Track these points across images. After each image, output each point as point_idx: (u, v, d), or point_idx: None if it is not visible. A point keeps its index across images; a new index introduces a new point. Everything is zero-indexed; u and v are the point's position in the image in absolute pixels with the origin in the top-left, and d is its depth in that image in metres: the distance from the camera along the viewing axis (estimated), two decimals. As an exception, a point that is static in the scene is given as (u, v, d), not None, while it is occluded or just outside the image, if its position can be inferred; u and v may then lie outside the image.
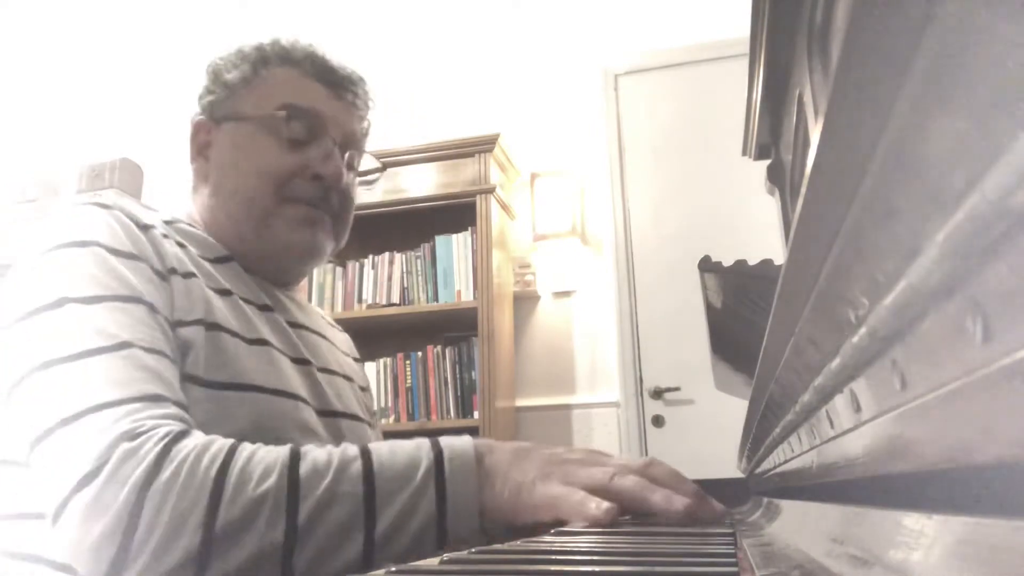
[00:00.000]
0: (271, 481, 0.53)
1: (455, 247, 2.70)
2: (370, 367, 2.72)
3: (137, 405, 0.55)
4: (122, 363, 0.58)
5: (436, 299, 2.68)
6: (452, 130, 2.84)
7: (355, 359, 0.97)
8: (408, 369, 2.68)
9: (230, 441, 0.56)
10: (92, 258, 0.64)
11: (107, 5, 3.51)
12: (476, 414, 2.53)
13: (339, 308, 2.77)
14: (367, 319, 2.70)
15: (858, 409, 0.24)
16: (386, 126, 3.05)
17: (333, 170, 0.81)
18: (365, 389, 0.95)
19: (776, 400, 0.44)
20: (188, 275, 0.70)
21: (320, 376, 0.80)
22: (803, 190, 0.21)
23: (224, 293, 0.73)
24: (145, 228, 0.70)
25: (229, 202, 0.80)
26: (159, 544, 0.50)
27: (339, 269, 2.83)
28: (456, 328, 2.67)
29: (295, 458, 0.55)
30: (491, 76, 3.08)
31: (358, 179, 0.90)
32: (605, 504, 0.51)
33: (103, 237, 0.66)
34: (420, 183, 2.74)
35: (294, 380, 0.74)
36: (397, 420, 2.64)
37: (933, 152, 0.13)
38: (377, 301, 2.74)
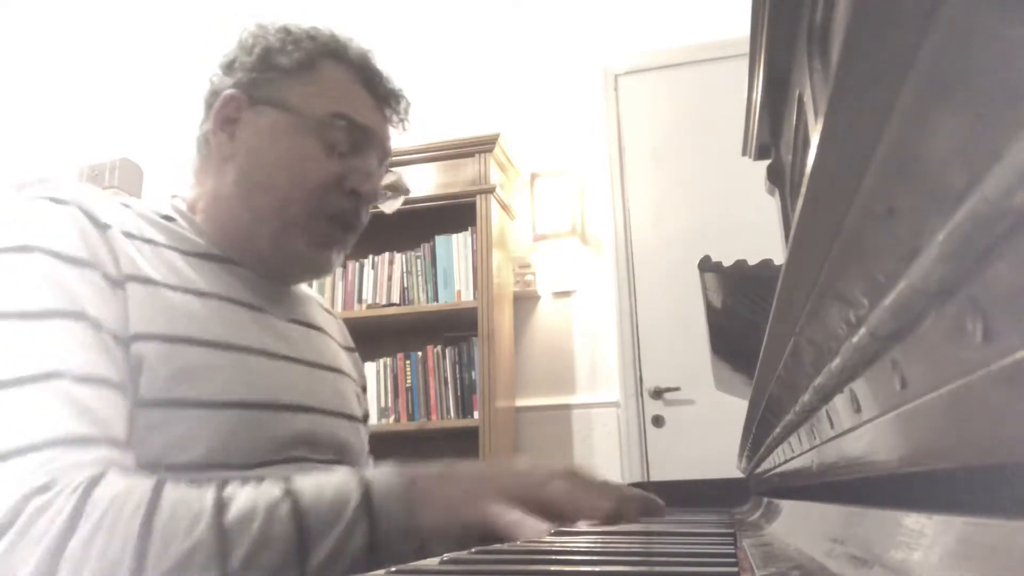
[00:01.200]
0: (199, 532, 0.50)
1: (455, 247, 2.70)
2: (370, 367, 2.72)
3: (55, 451, 0.50)
4: (45, 397, 0.52)
5: (436, 299, 2.68)
6: (452, 130, 2.84)
7: (349, 348, 0.94)
8: (408, 369, 2.68)
9: (150, 485, 0.51)
10: (34, 266, 0.58)
11: (107, 5, 3.50)
12: (476, 414, 2.53)
13: (339, 308, 2.77)
14: (367, 319, 2.70)
15: (858, 409, 0.24)
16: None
17: (371, 190, 0.79)
18: (361, 387, 0.92)
19: (776, 400, 0.44)
20: (148, 281, 0.65)
21: (316, 375, 0.78)
22: (803, 190, 0.21)
23: (201, 295, 0.69)
24: (103, 227, 0.64)
25: (257, 196, 0.75)
26: None
27: (339, 269, 2.83)
28: (456, 328, 2.67)
29: (220, 505, 0.52)
30: (491, 76, 3.08)
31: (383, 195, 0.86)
32: (530, 521, 0.52)
33: (49, 240, 0.60)
34: (420, 183, 2.74)
35: (282, 385, 0.71)
36: (397, 420, 2.64)
37: (933, 152, 0.13)
38: (377, 301, 2.74)
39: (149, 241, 0.69)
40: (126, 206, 0.72)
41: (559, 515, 0.55)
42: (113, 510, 0.49)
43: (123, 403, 0.58)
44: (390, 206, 0.88)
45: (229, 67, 0.79)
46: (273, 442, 0.67)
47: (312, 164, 0.75)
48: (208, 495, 0.52)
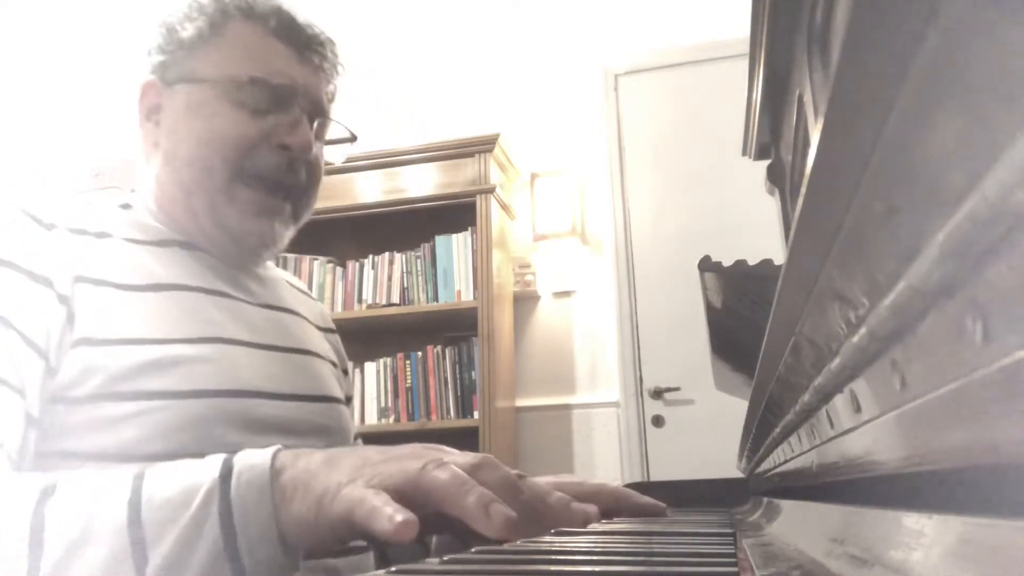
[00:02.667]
0: (15, 526, 0.45)
1: (455, 247, 2.70)
2: (370, 367, 2.72)
3: None
4: None
5: (436, 299, 2.68)
6: (452, 130, 2.84)
7: (328, 330, 0.91)
8: (408, 369, 2.68)
9: None
10: None
11: (108, 5, 3.50)
12: (476, 414, 2.53)
13: (339, 308, 2.77)
14: (367, 319, 2.70)
15: (858, 409, 0.24)
16: (386, 126, 3.06)
17: (301, 139, 0.75)
18: (342, 369, 0.89)
19: (776, 400, 0.44)
20: (101, 283, 0.64)
21: (288, 359, 0.75)
22: (803, 190, 0.21)
23: (160, 288, 0.68)
24: (47, 227, 0.64)
25: (183, 171, 0.73)
26: None
27: (339, 269, 2.83)
28: (456, 328, 2.67)
29: (45, 493, 0.47)
30: (491, 76, 3.08)
31: (328, 149, 0.84)
32: (400, 516, 0.40)
33: None
34: (420, 183, 2.74)
35: (250, 372, 0.69)
36: (397, 420, 2.64)
37: (933, 152, 0.13)
38: (377, 301, 2.74)
39: (103, 235, 0.68)
40: (89, 203, 0.72)
41: (435, 506, 0.44)
42: None
43: (13, 404, 0.56)
44: (337, 156, 0.85)
45: (148, 57, 0.78)
46: (243, 431, 0.65)
47: (230, 126, 0.73)
48: (38, 484, 0.48)
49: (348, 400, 0.89)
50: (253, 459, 0.48)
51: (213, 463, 0.48)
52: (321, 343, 0.86)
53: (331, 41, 0.82)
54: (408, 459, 0.46)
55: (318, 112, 0.79)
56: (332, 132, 0.84)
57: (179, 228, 0.75)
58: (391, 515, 0.41)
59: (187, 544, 0.45)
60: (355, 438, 0.91)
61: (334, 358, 0.88)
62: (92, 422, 0.59)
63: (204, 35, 0.75)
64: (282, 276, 0.90)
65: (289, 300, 0.84)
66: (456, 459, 0.47)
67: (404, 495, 0.44)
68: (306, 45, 0.78)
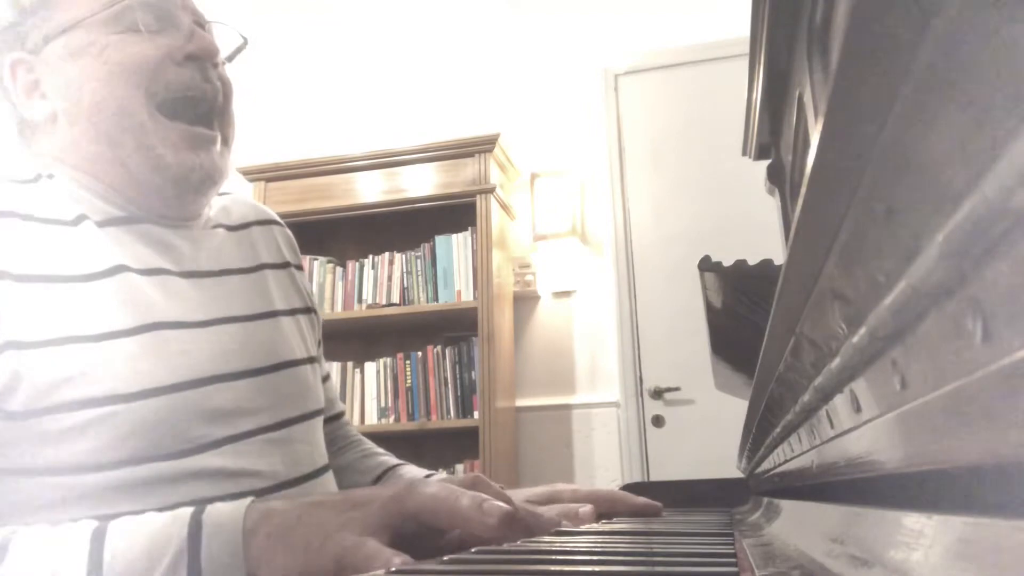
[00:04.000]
0: None
1: (455, 247, 2.70)
2: (370, 367, 2.72)
3: None
4: None
5: (436, 299, 2.68)
6: (452, 130, 2.84)
7: (288, 264, 0.83)
8: (408, 369, 2.68)
9: None
10: None
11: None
12: (476, 414, 2.53)
13: (339, 308, 2.77)
14: (367, 319, 2.70)
15: (858, 409, 0.24)
16: (386, 126, 3.06)
17: (205, 44, 0.70)
18: (310, 309, 0.83)
19: (776, 400, 0.44)
20: (21, 278, 0.58)
21: (245, 330, 0.70)
22: (803, 190, 0.21)
23: (91, 278, 0.61)
24: None
25: (97, 121, 0.66)
26: None
27: (339, 269, 2.83)
28: (456, 328, 2.67)
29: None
30: (491, 76, 3.08)
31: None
32: (397, 558, 0.39)
33: None
34: (420, 183, 2.74)
35: (203, 355, 0.63)
36: (397, 420, 2.64)
37: (933, 152, 0.13)
38: (377, 301, 2.74)
39: (26, 217, 0.61)
40: (20, 182, 0.66)
41: (429, 524, 0.44)
42: None
43: None
44: (233, 55, 0.79)
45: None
46: (203, 422, 0.60)
47: (129, 58, 0.67)
48: None
49: (319, 344, 0.83)
50: (222, 517, 0.46)
51: (180, 519, 0.46)
52: (280, 293, 0.79)
53: None
54: (385, 490, 0.46)
55: (202, 19, 0.74)
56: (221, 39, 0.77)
57: (112, 189, 0.68)
58: (388, 559, 0.40)
59: None
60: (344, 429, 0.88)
61: (299, 300, 0.81)
62: (38, 436, 0.55)
63: None
64: (224, 214, 0.80)
65: (235, 255, 0.76)
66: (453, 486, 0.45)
67: (391, 527, 0.43)
68: None
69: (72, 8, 0.68)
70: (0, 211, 0.60)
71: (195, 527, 0.46)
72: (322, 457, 0.74)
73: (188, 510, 0.47)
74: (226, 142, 0.74)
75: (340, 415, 0.90)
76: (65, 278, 0.60)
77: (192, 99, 0.69)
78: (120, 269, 0.63)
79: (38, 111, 0.69)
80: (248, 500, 0.48)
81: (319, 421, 0.76)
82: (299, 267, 0.86)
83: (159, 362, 0.60)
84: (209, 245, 0.74)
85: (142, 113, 0.67)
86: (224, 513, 0.46)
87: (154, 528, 0.46)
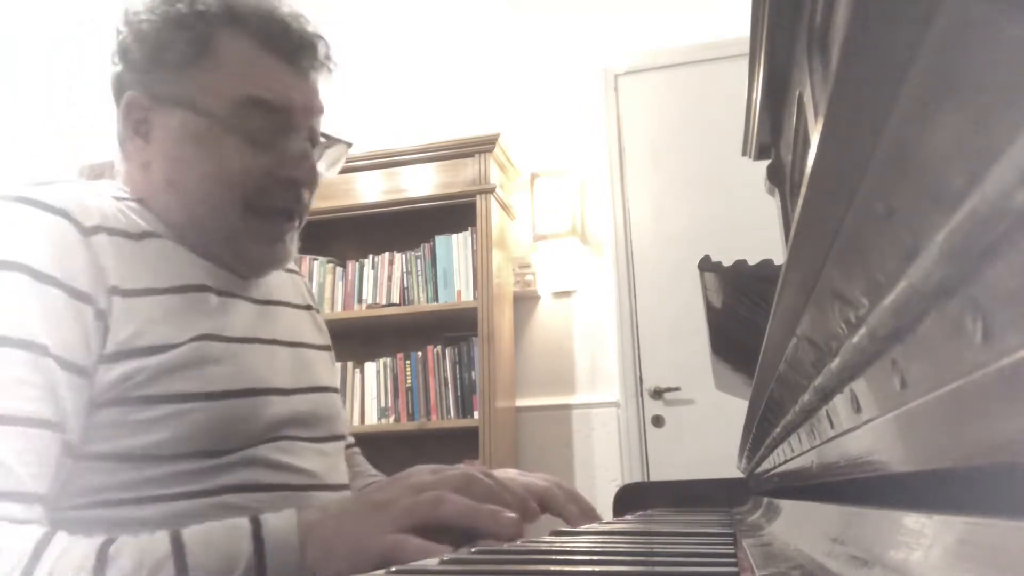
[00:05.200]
0: None
1: (455, 247, 2.70)
2: (370, 367, 2.72)
3: None
4: None
5: (436, 299, 2.68)
6: (452, 130, 2.84)
7: (309, 308, 0.90)
8: (408, 369, 2.68)
9: (30, 547, 0.51)
10: (10, 286, 0.58)
11: (108, 4, 3.50)
12: (476, 414, 2.53)
13: (339, 308, 2.77)
14: (367, 319, 2.70)
15: (858, 409, 0.24)
16: (386, 126, 3.06)
17: (308, 172, 0.74)
18: (330, 347, 0.90)
19: (776, 400, 0.44)
20: (129, 293, 0.64)
21: (295, 354, 0.78)
22: (803, 190, 0.21)
23: (182, 291, 0.68)
24: (89, 232, 0.63)
25: (192, 205, 0.71)
26: None
27: (339, 269, 2.83)
28: (456, 328, 2.67)
29: (101, 563, 0.51)
30: (491, 76, 3.08)
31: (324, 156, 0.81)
32: (438, 550, 0.50)
33: (31, 256, 0.59)
34: (420, 183, 2.74)
35: (267, 369, 0.72)
36: (397, 420, 2.64)
37: (933, 152, 0.13)
38: (377, 301, 2.74)
39: (143, 236, 0.68)
40: (116, 198, 0.70)
41: (459, 533, 0.54)
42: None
43: (47, 443, 0.56)
44: (333, 171, 0.83)
45: (124, 55, 0.73)
46: (259, 428, 0.68)
47: (235, 163, 0.70)
48: (92, 552, 0.51)
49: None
50: (279, 528, 0.55)
51: (242, 531, 0.55)
52: (309, 330, 0.86)
53: (319, 37, 0.78)
54: (416, 494, 0.55)
55: (316, 125, 0.78)
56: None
57: (183, 237, 0.74)
58: (437, 550, 0.49)
59: None
60: (351, 447, 0.93)
61: (320, 339, 0.88)
62: (124, 425, 0.61)
63: (194, 53, 0.71)
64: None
65: (280, 291, 0.84)
66: (447, 477, 0.57)
67: (427, 526, 0.53)
68: (298, 52, 0.75)
69: (200, 89, 0.71)
70: (108, 228, 0.65)
71: (258, 535, 0.55)
72: (344, 475, 0.82)
73: (247, 525, 0.55)
74: (300, 225, 0.79)
75: (353, 444, 0.98)
76: (163, 291, 0.67)
77: (284, 210, 0.75)
78: (201, 287, 0.70)
79: (140, 151, 0.73)
80: (293, 515, 0.57)
81: (343, 445, 0.85)
82: (318, 311, 0.94)
83: (232, 370, 0.68)
84: (265, 280, 0.82)
85: (235, 214, 0.72)
86: (279, 526, 0.56)
87: (221, 538, 0.55)
